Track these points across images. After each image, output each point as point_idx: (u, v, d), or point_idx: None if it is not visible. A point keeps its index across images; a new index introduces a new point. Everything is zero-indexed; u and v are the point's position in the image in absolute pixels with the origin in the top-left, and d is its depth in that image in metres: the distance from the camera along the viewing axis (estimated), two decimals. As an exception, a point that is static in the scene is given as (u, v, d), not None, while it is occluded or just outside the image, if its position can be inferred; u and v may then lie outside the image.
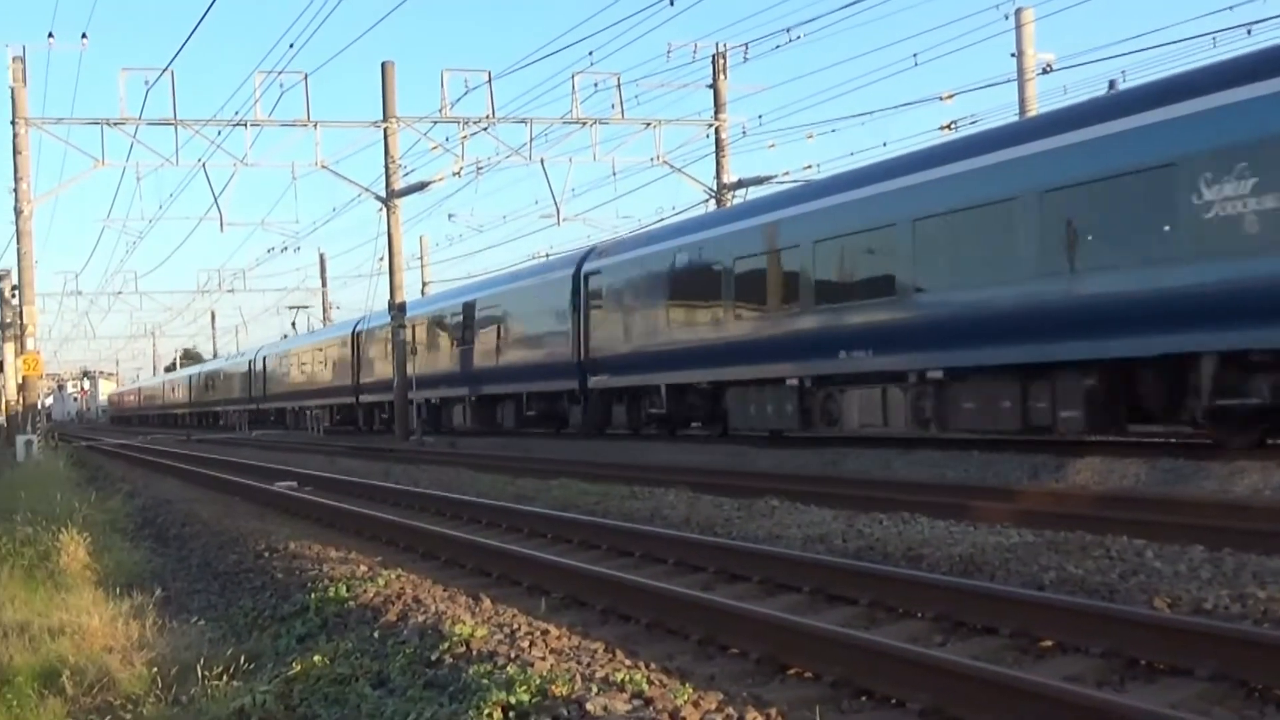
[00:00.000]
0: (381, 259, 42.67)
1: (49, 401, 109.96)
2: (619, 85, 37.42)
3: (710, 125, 39.77)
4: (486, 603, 8.65)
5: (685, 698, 5.70)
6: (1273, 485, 13.50)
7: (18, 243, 37.54)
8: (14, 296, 39.24)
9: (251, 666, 7.85)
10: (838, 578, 9.04)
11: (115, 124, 36.21)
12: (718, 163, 40.01)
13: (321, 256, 78.24)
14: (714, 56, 38.96)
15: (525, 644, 7.11)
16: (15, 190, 37.28)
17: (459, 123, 37.76)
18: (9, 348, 39.77)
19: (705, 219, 29.06)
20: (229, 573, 12.26)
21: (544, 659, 6.66)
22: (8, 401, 41.53)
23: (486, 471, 23.08)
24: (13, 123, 37.13)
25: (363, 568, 10.60)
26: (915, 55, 60.31)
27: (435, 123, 38.27)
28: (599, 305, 30.47)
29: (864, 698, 6.28)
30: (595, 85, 37.47)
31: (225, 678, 7.41)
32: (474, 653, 6.93)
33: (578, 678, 6.12)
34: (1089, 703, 5.30)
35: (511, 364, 35.36)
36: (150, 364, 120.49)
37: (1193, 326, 15.17)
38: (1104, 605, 7.39)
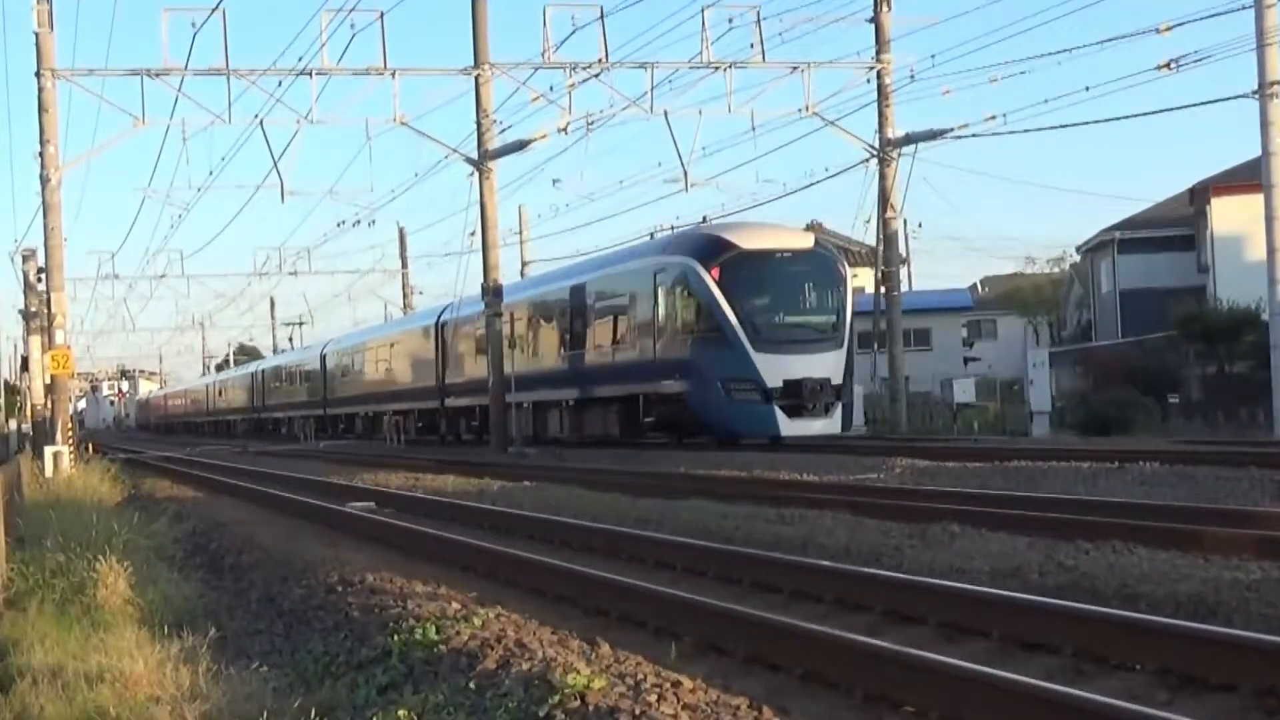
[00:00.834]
0: (473, 234, 43.17)
1: (81, 405, 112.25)
2: (759, 21, 37.49)
3: (871, 68, 39.63)
4: (605, 648, 8.69)
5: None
6: None
7: (44, 217, 37.57)
8: (40, 281, 39.44)
9: (324, 722, 7.95)
10: (1036, 621, 8.98)
11: (157, 75, 36.66)
12: (880, 114, 39.84)
13: (401, 231, 78.78)
14: (875, -17, 38.89)
15: (652, 698, 7.12)
16: (41, 154, 36.89)
17: (565, 69, 38.00)
18: (35, 342, 39.94)
19: None
20: (295, 610, 12.45)
21: (675, 717, 6.66)
22: (34, 405, 41.71)
23: (601, 490, 23.18)
24: (38, 74, 36.61)
25: (455, 605, 10.70)
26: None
27: (536, 69, 38.63)
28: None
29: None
30: (730, 22, 37.63)
31: (293, 735, 7.51)
32: (590, 708, 6.96)
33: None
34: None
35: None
36: (200, 361, 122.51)
37: None
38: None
